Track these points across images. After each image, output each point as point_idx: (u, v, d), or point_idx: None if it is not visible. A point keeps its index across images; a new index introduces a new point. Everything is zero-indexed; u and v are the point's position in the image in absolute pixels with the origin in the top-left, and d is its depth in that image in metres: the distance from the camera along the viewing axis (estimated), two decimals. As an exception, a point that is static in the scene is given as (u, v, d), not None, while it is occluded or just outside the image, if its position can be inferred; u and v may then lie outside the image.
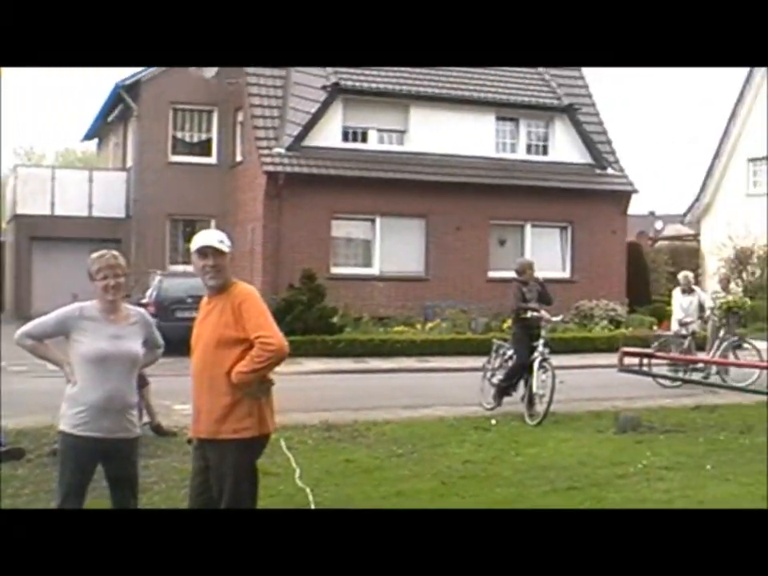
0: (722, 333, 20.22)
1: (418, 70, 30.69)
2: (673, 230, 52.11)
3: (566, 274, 32.08)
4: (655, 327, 27.48)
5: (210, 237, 6.61)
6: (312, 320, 24.95)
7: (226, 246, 6.50)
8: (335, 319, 25.90)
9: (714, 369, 19.70)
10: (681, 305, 20.40)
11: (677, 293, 20.69)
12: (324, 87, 29.63)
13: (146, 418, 12.71)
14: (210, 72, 31.62)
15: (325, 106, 29.64)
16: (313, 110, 29.61)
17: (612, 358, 16.60)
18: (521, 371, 15.45)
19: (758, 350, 20.45)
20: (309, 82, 30.26)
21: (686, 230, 48.79)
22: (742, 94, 42.27)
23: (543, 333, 15.26)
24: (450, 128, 30.83)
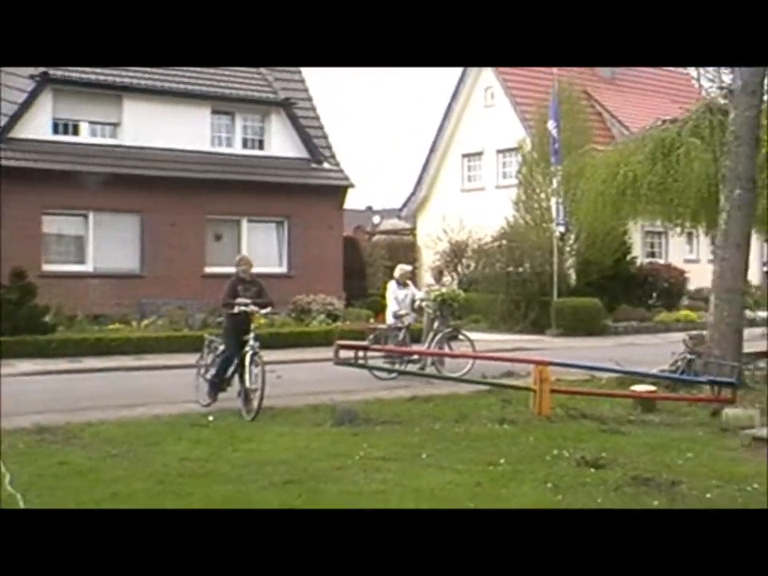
0: (436, 324, 20.64)
1: (131, 61, 30.04)
2: (389, 224, 52.98)
3: (283, 269, 32.14)
4: (372, 320, 27.84)
5: None
6: (22, 319, 24.02)
7: None
8: (47, 318, 25.02)
9: (429, 360, 20.10)
10: (396, 298, 20.71)
11: (392, 286, 20.99)
12: (32, 76, 28.55)
13: None
14: None
15: (33, 96, 28.62)
16: (20, 100, 28.53)
17: (330, 352, 16.67)
18: (229, 364, 15.40)
19: (472, 341, 20.97)
20: (15, 70, 29.06)
21: (402, 224, 49.67)
22: (456, 91, 43.43)
23: (253, 326, 15.18)
24: (165, 121, 30.37)
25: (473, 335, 22.17)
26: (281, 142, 32.76)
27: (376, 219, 56.38)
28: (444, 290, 21.29)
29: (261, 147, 32.81)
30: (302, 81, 35.26)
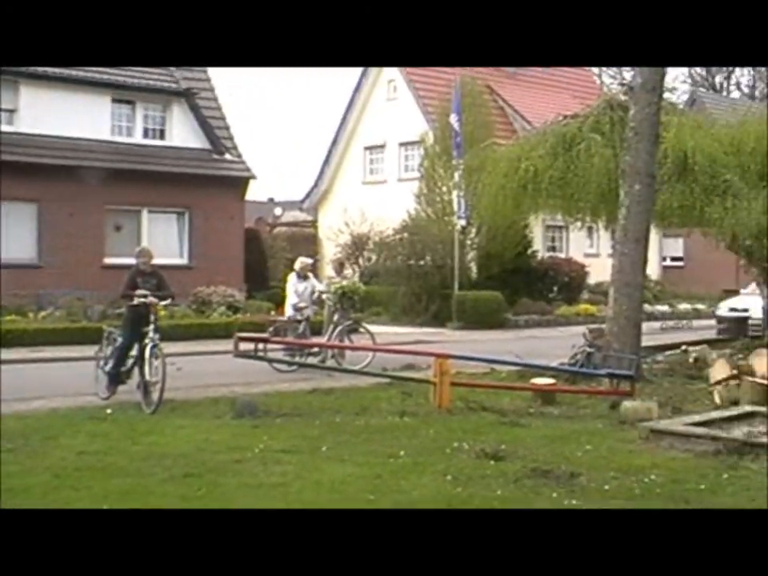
0: (336, 317, 20.63)
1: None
2: (291, 216, 52.85)
3: (184, 260, 31.92)
4: (273, 312, 27.76)
5: None
6: None
7: None
8: (-59, 310, 24.57)
9: (330, 352, 20.07)
10: (296, 290, 20.67)
11: (292, 278, 20.94)
12: None
13: None
14: None
15: (-75, 82, 28.01)
16: None
17: (230, 344, 16.57)
18: (126, 354, 15.31)
19: (372, 334, 21.00)
20: None
21: (304, 217, 49.59)
22: (359, 84, 43.39)
23: (152, 318, 15.03)
24: (64, 109, 29.86)
25: (374, 328, 22.23)
26: (182, 133, 32.49)
27: (278, 211, 56.15)
28: (344, 282, 21.29)
29: (162, 137, 32.49)
30: (204, 71, 34.98)
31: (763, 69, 67.75)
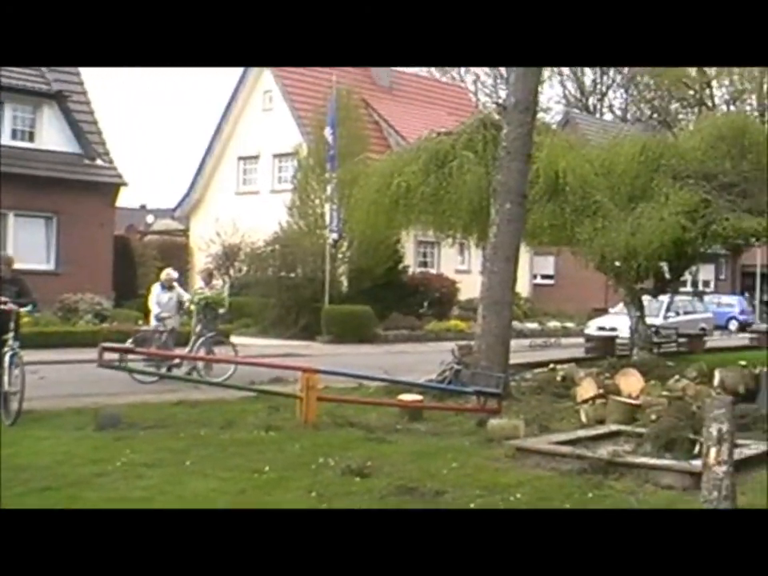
0: (198, 328, 20.38)
1: None
2: (163, 224, 52.32)
3: (51, 266, 31.31)
4: (140, 322, 27.34)
5: None
6: None
7: None
8: None
9: (199, 364, 19.80)
10: (158, 301, 20.42)
11: (155, 289, 20.70)
12: None
13: None
14: None
15: None
16: None
17: (96, 353, 16.22)
18: None
19: (234, 346, 20.84)
20: None
21: (175, 225, 49.15)
22: (235, 93, 43.26)
23: (12, 326, 14.58)
24: (-72, 108, 29.07)
25: (243, 340, 22.06)
26: (53, 136, 31.90)
27: (149, 219, 55.56)
28: (208, 293, 20.99)
29: (31, 139, 31.85)
30: (77, 74, 34.37)
31: (636, 92, 69.47)
